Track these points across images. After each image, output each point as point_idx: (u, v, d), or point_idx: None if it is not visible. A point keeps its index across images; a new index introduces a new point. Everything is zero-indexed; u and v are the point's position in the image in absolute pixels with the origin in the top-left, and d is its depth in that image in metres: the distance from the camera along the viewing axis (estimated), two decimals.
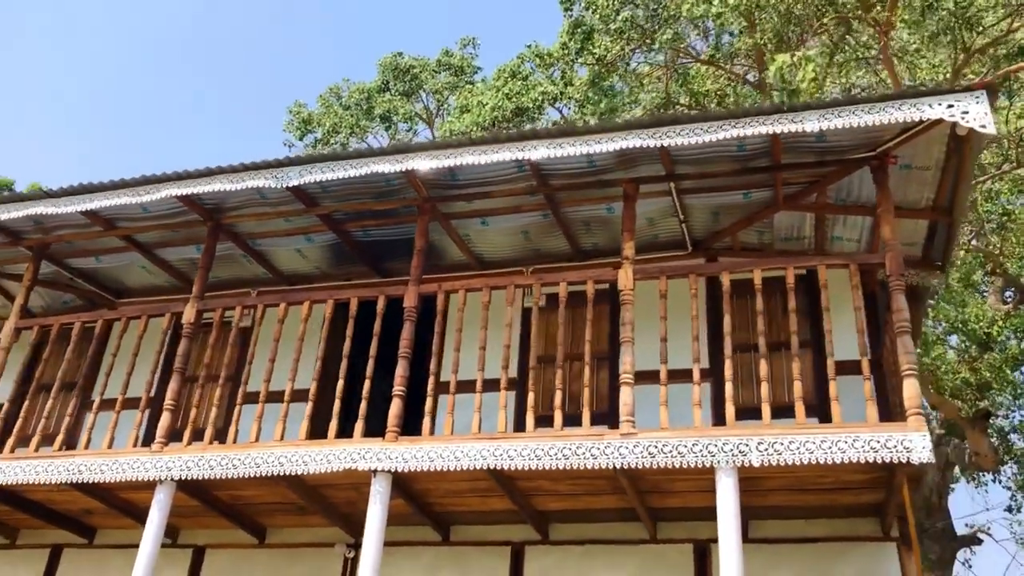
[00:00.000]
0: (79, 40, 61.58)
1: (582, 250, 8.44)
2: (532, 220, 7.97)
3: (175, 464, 6.78)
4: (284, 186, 6.95)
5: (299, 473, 6.57)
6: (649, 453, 5.91)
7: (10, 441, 7.53)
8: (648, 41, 15.43)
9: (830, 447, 5.62)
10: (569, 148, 6.28)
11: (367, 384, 6.83)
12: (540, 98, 17.32)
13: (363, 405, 6.75)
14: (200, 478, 6.71)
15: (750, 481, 6.14)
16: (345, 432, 6.92)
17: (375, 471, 6.34)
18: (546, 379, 7.79)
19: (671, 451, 5.87)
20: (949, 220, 7.12)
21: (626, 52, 15.86)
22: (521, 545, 7.48)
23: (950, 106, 5.84)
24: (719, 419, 7.17)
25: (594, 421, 6.63)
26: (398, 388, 6.65)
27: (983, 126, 5.71)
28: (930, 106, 5.87)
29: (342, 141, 22.31)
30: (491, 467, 6.12)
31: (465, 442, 6.25)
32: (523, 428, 6.85)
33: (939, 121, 5.99)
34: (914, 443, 5.50)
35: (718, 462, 5.75)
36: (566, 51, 16.38)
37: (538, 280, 7.09)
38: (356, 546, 7.77)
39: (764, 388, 6.02)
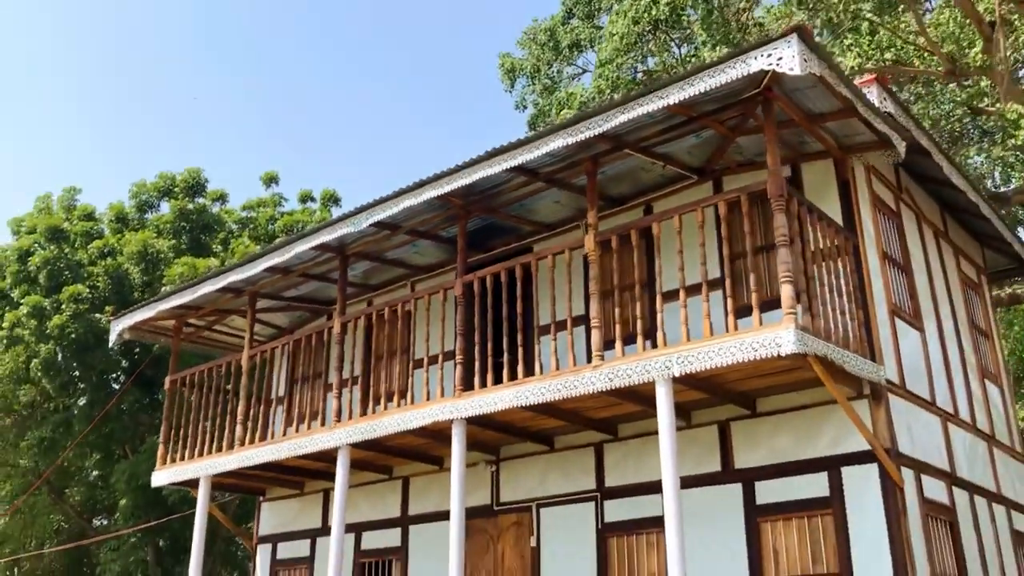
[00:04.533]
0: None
1: (612, 197, 10.21)
2: (554, 193, 9.92)
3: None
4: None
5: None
6: (609, 378, 7.91)
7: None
8: None
9: (724, 352, 7.25)
10: (495, 168, 8.29)
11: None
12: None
13: (455, 368, 9.37)
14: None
15: (717, 375, 7.87)
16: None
17: (454, 419, 8.98)
18: (606, 312, 9.79)
19: (622, 374, 7.82)
20: None
21: None
22: (600, 443, 9.75)
23: (768, 55, 6.99)
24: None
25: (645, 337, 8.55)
26: (459, 357, 9.18)
27: (791, 69, 6.82)
28: (755, 59, 7.04)
29: (551, 78, 24.43)
30: (541, 402, 8.38)
31: (527, 384, 8.48)
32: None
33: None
34: (783, 339, 6.97)
35: (653, 376, 7.61)
36: None
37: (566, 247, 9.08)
38: (495, 462, 10.59)
39: (682, 313, 7.69)
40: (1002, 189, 20.21)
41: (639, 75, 20.62)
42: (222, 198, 24.11)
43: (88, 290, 20.42)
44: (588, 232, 8.48)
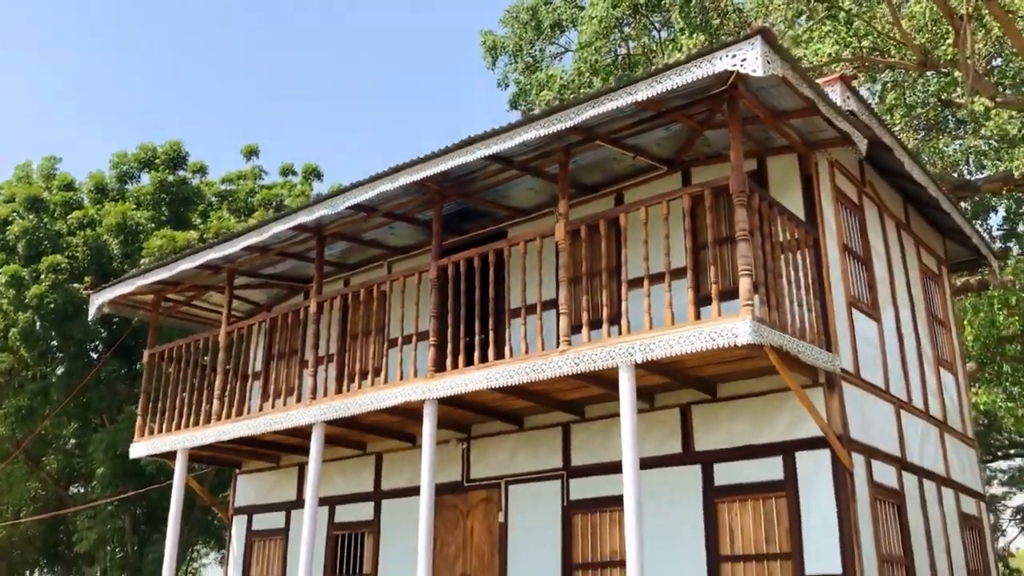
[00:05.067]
0: None
1: (585, 185, 10.47)
2: (528, 181, 10.16)
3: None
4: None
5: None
6: (575, 363, 8.21)
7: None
8: None
9: (684, 341, 7.56)
10: (470, 156, 8.53)
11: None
12: None
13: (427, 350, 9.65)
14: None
15: (678, 362, 8.18)
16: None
17: (426, 400, 9.26)
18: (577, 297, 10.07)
19: (587, 359, 8.12)
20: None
21: None
22: (568, 424, 10.07)
23: (733, 56, 7.24)
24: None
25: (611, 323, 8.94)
26: (433, 339, 9.46)
27: (754, 70, 7.08)
28: (720, 59, 7.29)
29: (532, 56, 24.57)
30: (510, 384, 8.67)
31: (497, 367, 8.76)
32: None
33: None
34: (739, 329, 7.28)
35: (616, 362, 7.91)
36: None
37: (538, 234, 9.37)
38: (466, 440, 10.91)
39: (646, 302, 7.98)
40: (973, 178, 20.62)
41: (619, 58, 20.81)
42: (202, 170, 24.16)
43: (67, 260, 20.50)
44: (559, 221, 8.73)
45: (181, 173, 23.29)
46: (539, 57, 25.07)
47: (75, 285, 20.30)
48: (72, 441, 25.04)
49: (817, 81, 8.49)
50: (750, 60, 7.12)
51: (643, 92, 7.69)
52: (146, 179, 23.25)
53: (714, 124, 8.92)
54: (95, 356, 22.34)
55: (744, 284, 7.41)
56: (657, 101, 8.13)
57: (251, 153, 25.59)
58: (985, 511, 11.95)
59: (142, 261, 19.69)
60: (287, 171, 26.26)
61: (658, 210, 8.39)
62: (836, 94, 8.59)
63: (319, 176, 26.28)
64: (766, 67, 7.09)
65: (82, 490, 27.08)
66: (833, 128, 8.46)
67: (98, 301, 12.94)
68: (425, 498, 8.92)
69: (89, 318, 13.37)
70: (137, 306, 13.62)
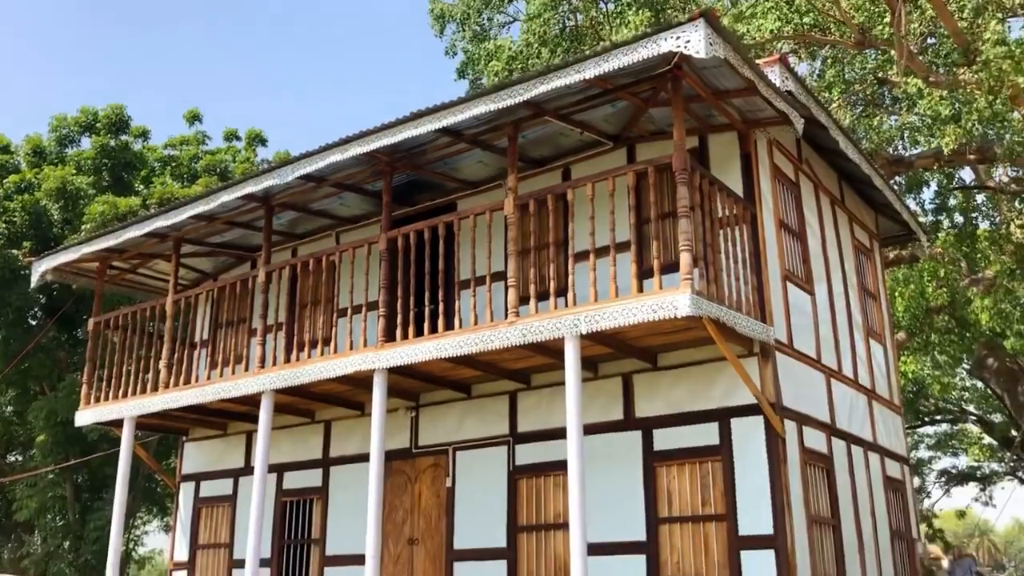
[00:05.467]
0: None
1: (534, 159, 10.67)
2: (478, 154, 10.33)
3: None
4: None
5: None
6: (523, 334, 8.47)
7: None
8: None
9: (627, 313, 7.86)
10: (420, 128, 8.68)
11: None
12: None
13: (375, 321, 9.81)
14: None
15: (621, 333, 8.48)
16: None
17: (376, 369, 9.46)
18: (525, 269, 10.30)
19: (535, 330, 8.38)
20: None
21: None
22: (515, 392, 10.36)
23: (677, 38, 7.48)
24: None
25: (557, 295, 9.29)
26: (382, 310, 9.62)
27: (697, 52, 7.33)
28: (665, 40, 7.53)
29: (480, 25, 24.53)
30: (460, 354, 8.92)
31: (447, 337, 9.03)
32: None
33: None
34: (679, 302, 7.59)
35: (563, 333, 8.18)
36: None
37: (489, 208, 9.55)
38: (415, 408, 11.13)
39: (591, 275, 8.26)
40: (907, 154, 21.29)
41: (567, 30, 20.91)
42: (144, 135, 23.78)
43: (4, 225, 20.10)
44: (508, 196, 8.93)
45: (123, 138, 22.90)
46: (487, 26, 25.01)
47: (13, 251, 19.93)
48: (9, 408, 24.68)
49: (757, 62, 8.78)
50: (694, 42, 7.37)
51: (591, 70, 7.91)
52: (87, 143, 22.80)
53: (658, 102, 9.17)
54: (34, 323, 21.99)
55: (684, 259, 7.71)
56: (604, 79, 8.34)
57: (194, 118, 25.23)
58: (908, 474, 12.58)
59: (83, 227, 19.40)
60: (231, 136, 25.96)
61: (604, 186, 8.63)
62: (775, 75, 8.88)
63: (263, 142, 26.04)
64: (708, 49, 7.35)
65: (20, 458, 26.73)
66: (772, 108, 8.77)
67: (41, 268, 12.81)
68: (375, 465, 9.15)
69: (32, 285, 13.23)
70: (81, 273, 13.51)
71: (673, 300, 7.63)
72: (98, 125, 22.73)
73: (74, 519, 21.76)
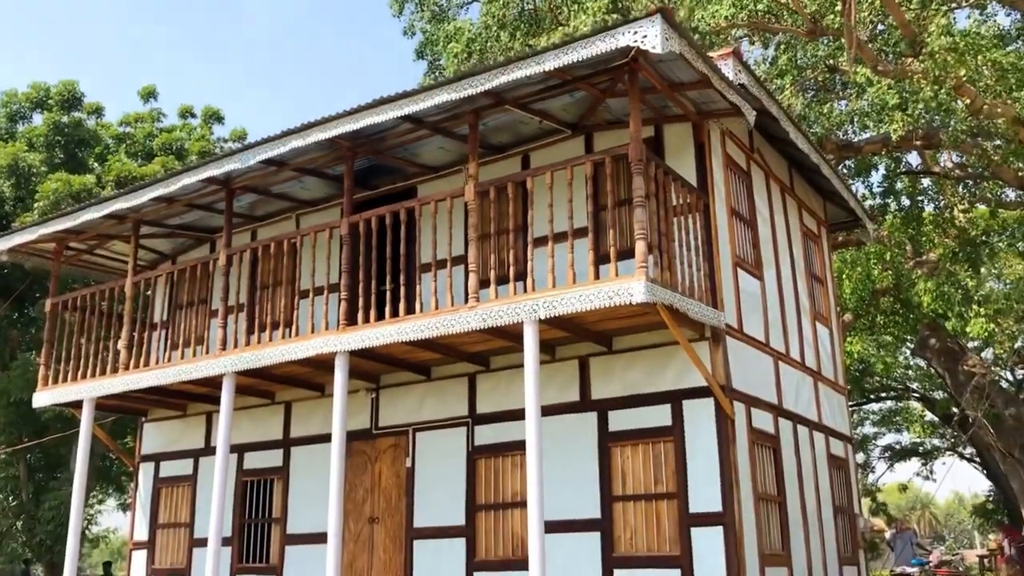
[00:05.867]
0: None
1: (493, 145, 10.87)
2: (439, 140, 10.50)
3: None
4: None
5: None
6: (483, 319, 8.70)
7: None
8: None
9: (584, 299, 8.12)
10: (382, 116, 8.83)
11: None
12: None
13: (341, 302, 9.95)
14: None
15: (578, 318, 8.75)
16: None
17: (338, 352, 9.63)
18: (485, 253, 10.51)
19: (495, 315, 8.61)
20: None
21: None
22: (474, 374, 10.60)
23: (634, 32, 7.71)
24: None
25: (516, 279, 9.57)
26: (344, 293, 9.78)
27: (653, 47, 7.57)
28: (623, 35, 7.75)
29: (438, 5, 24.54)
30: (421, 338, 9.13)
31: (408, 321, 9.24)
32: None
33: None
34: (634, 289, 7.87)
35: (522, 318, 8.43)
36: None
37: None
38: (375, 389, 11.32)
39: (549, 262, 8.51)
40: (856, 139, 21.84)
41: (525, 12, 21.01)
42: (98, 111, 23.48)
43: None
44: (469, 183, 9.12)
45: (76, 114, 22.57)
46: (446, 6, 25.04)
47: None
48: None
49: (711, 54, 9.05)
50: (650, 37, 7.60)
51: (550, 62, 8.12)
52: (38, 120, 22.45)
53: (615, 93, 9.40)
54: None
55: (639, 247, 7.98)
56: (563, 70, 8.55)
57: (149, 95, 24.96)
58: (851, 452, 13.09)
59: (36, 205, 19.19)
60: (186, 113, 25.73)
61: (563, 175, 8.86)
62: (729, 68, 9.16)
63: (220, 119, 25.85)
64: (664, 44, 7.58)
65: None
66: (725, 100, 9.05)
67: None
68: (336, 445, 9.34)
69: None
70: (37, 254, 13.43)
71: (628, 287, 7.91)
72: (50, 101, 22.39)
73: (27, 499, 21.65)
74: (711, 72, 8.46)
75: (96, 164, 21.85)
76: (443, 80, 8.84)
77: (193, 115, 25.73)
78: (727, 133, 10.24)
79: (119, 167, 20.94)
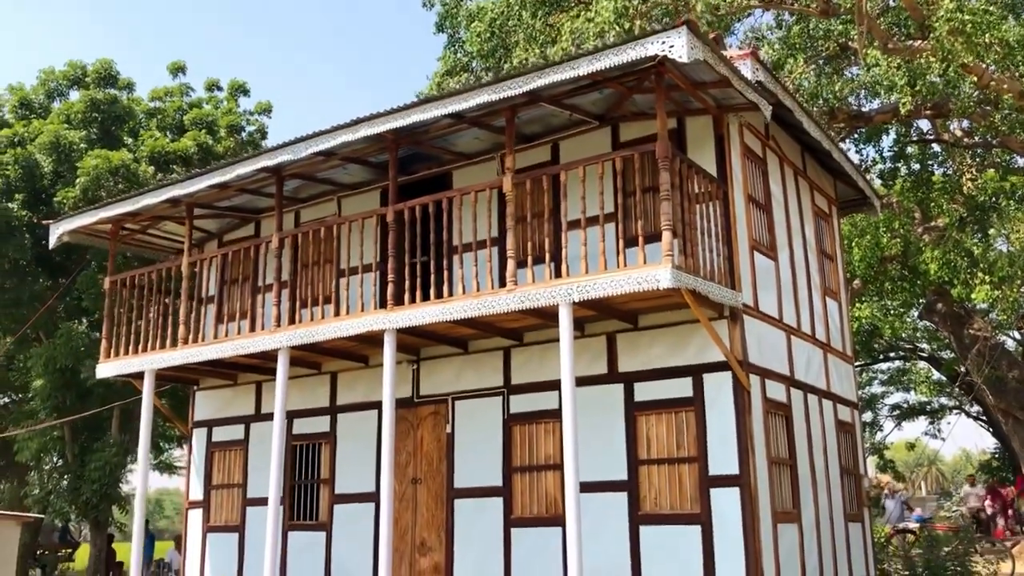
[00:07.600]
0: None
1: (525, 135, 11.65)
2: (475, 131, 11.28)
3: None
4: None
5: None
6: (521, 300, 9.56)
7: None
8: None
9: (615, 284, 8.97)
10: (428, 114, 9.64)
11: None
12: None
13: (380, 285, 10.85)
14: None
15: (608, 299, 9.59)
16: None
17: (386, 330, 10.52)
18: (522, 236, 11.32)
19: (532, 297, 9.47)
20: None
21: None
22: (508, 348, 11.50)
23: (662, 42, 8.46)
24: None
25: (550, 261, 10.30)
26: (391, 276, 10.65)
27: (680, 56, 8.32)
28: (652, 44, 8.50)
29: None
30: (463, 317, 10.02)
31: (452, 302, 10.18)
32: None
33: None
34: (661, 275, 8.71)
35: (558, 301, 9.29)
36: None
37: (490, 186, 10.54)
38: (416, 361, 12.25)
39: (582, 249, 9.34)
40: (866, 108, 22.43)
41: None
42: (130, 87, 24.19)
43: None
44: (506, 175, 9.93)
45: (111, 91, 23.29)
46: None
47: (9, 205, 20.52)
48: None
49: (729, 56, 9.78)
50: (677, 47, 8.36)
51: (584, 67, 8.90)
52: (75, 96, 23.19)
53: (642, 90, 10.15)
54: (28, 274, 22.58)
55: (666, 237, 8.81)
56: (594, 74, 9.30)
57: (177, 70, 25.61)
58: (858, 417, 13.98)
59: (77, 181, 19.99)
60: (212, 86, 26.36)
61: (595, 169, 9.65)
62: (747, 67, 9.88)
63: (246, 92, 26.49)
64: (690, 53, 8.34)
65: (16, 399, 27.54)
66: (743, 97, 9.80)
67: (59, 231, 13.62)
68: (388, 413, 10.25)
69: (50, 246, 14.01)
70: (95, 235, 14.30)
71: (656, 274, 8.75)
72: (87, 79, 23.11)
73: (72, 459, 22.75)
74: (731, 75, 9.21)
75: (129, 139, 22.61)
76: (485, 81, 9.62)
77: (219, 88, 26.39)
78: (745, 124, 10.97)
79: (152, 143, 21.71)
